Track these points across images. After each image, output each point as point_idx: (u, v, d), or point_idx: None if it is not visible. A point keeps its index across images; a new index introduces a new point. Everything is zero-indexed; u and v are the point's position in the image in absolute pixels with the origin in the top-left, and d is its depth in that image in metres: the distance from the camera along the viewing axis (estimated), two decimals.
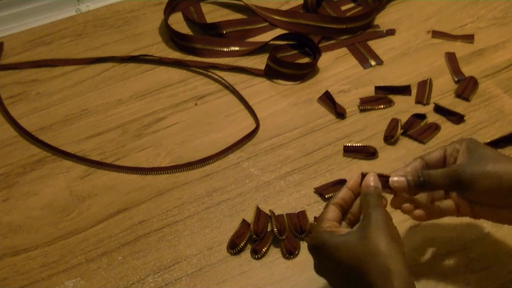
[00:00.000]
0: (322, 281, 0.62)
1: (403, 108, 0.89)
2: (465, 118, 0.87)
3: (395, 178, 0.65)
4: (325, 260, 0.60)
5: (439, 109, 0.88)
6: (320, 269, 0.62)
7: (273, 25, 1.03)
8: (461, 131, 0.86)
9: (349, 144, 0.84)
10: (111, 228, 0.76)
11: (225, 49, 0.99)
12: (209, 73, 0.95)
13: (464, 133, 0.85)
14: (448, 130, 0.86)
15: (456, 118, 0.87)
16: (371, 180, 0.62)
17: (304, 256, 0.73)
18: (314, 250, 0.61)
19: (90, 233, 0.76)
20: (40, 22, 1.05)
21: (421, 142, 0.84)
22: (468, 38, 0.99)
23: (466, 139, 0.68)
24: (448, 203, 0.68)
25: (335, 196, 0.63)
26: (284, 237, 0.74)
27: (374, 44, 0.99)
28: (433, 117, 0.88)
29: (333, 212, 0.62)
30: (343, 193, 0.63)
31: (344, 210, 0.63)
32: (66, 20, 1.05)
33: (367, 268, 0.56)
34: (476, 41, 0.99)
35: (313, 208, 0.77)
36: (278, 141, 0.86)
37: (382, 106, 0.89)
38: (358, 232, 0.58)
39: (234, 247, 0.73)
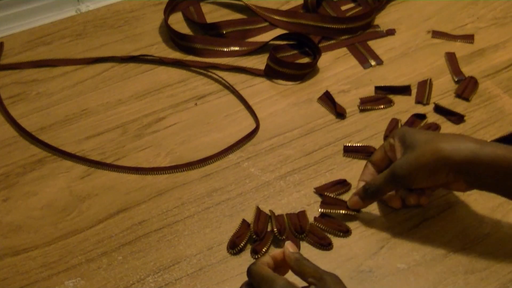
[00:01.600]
0: None
1: (403, 108, 0.89)
2: (465, 118, 0.87)
3: (348, 203, 0.75)
4: None
5: (439, 109, 0.88)
6: None
7: (273, 25, 1.03)
8: (461, 131, 0.86)
9: (349, 144, 0.84)
10: (111, 228, 0.76)
11: (225, 49, 0.99)
12: (209, 73, 0.95)
13: (464, 133, 0.85)
14: (448, 130, 0.86)
15: (456, 118, 0.87)
16: (289, 247, 0.61)
17: (304, 256, 0.73)
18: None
19: (90, 233, 0.76)
20: (40, 22, 1.05)
21: None
22: (468, 38, 0.99)
23: (398, 130, 0.72)
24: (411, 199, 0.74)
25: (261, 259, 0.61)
26: (284, 237, 0.73)
27: (374, 44, 0.99)
28: (433, 117, 0.88)
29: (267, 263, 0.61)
30: (267, 259, 0.61)
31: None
32: (66, 20, 1.05)
33: None
34: (476, 41, 0.99)
35: (313, 208, 0.77)
36: (278, 141, 0.86)
37: (382, 106, 0.89)
38: None
39: (234, 247, 0.73)
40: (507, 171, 0.66)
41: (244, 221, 0.76)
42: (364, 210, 0.76)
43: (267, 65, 0.94)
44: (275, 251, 0.61)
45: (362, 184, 0.75)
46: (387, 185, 0.72)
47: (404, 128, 0.70)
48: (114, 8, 1.07)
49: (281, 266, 0.61)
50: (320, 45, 0.99)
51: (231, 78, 0.94)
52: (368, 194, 0.73)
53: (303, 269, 0.59)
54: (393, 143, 0.71)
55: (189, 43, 0.99)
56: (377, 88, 0.92)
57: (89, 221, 0.77)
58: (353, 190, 0.79)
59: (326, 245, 0.73)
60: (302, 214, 0.76)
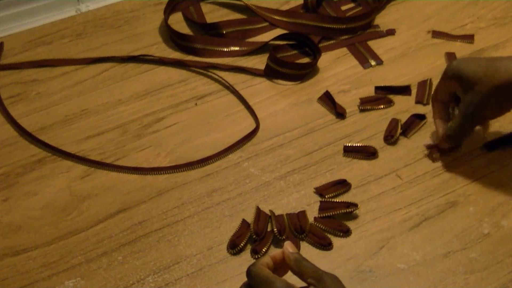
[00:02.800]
0: None
1: (403, 108, 0.89)
2: None
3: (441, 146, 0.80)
4: None
5: None
6: None
7: (273, 25, 1.03)
8: None
9: (349, 144, 0.84)
10: (111, 228, 0.76)
11: (225, 49, 0.99)
12: (209, 73, 0.95)
13: None
14: None
15: None
16: (290, 248, 0.61)
17: (304, 256, 0.73)
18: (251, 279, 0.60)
19: (90, 233, 0.76)
20: (40, 22, 1.05)
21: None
22: (468, 38, 0.99)
23: (448, 69, 0.76)
24: None
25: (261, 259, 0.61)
26: (284, 237, 0.74)
27: (374, 44, 0.99)
28: (432, 118, 0.88)
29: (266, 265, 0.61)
30: (266, 259, 0.61)
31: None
32: (66, 20, 1.05)
33: None
34: (476, 41, 0.99)
35: (313, 208, 0.77)
36: (278, 141, 0.86)
37: (382, 106, 0.89)
38: None
39: (234, 247, 0.73)
40: None
41: (244, 221, 0.76)
42: (364, 210, 0.77)
43: (267, 65, 0.94)
44: (274, 252, 0.61)
45: (439, 122, 0.80)
46: (465, 127, 0.76)
47: (452, 66, 0.73)
48: (114, 8, 1.07)
49: (280, 266, 0.61)
50: (320, 45, 0.99)
51: (231, 78, 0.94)
52: (453, 139, 0.78)
53: (303, 269, 0.59)
54: (449, 85, 0.75)
55: (189, 43, 0.99)
56: (377, 88, 0.92)
57: (89, 221, 0.77)
58: (353, 190, 0.79)
59: (326, 245, 0.73)
60: (302, 214, 0.76)
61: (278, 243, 0.74)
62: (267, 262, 0.60)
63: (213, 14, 1.06)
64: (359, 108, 0.89)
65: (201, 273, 0.72)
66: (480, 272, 0.71)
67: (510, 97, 0.72)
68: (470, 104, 0.73)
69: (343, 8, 1.07)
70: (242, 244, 0.73)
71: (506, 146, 0.83)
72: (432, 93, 0.81)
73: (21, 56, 0.99)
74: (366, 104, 0.90)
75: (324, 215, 0.76)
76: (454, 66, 0.75)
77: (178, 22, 1.04)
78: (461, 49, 0.97)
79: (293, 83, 0.94)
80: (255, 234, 0.74)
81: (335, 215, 0.76)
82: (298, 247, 0.73)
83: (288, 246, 0.61)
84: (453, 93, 0.77)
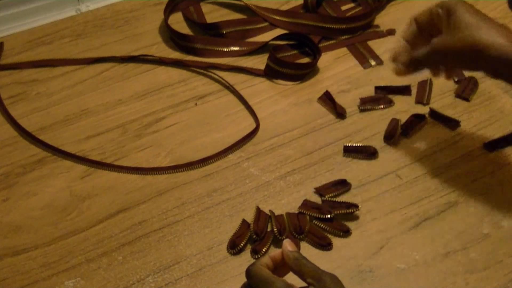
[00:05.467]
0: None
1: (403, 108, 0.89)
2: (465, 118, 0.87)
3: (394, 71, 0.77)
4: None
5: (434, 115, 0.88)
6: None
7: (273, 25, 1.03)
8: (460, 131, 0.86)
9: (349, 144, 0.84)
10: (111, 228, 0.76)
11: (225, 49, 0.99)
12: (209, 73, 0.95)
13: (464, 133, 0.85)
14: (447, 130, 0.86)
15: (452, 124, 0.86)
16: (288, 246, 0.60)
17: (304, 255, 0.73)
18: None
19: (90, 233, 0.76)
20: (40, 22, 1.05)
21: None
22: None
23: (447, 2, 0.73)
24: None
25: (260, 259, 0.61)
26: (284, 237, 0.74)
27: (374, 44, 0.99)
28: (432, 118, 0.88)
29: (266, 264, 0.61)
30: (266, 260, 0.61)
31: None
32: (66, 20, 1.05)
33: None
34: None
35: None
36: (278, 141, 0.86)
37: (382, 106, 0.89)
38: None
39: (234, 247, 0.73)
40: None
41: (244, 221, 0.76)
42: (364, 210, 0.77)
43: (267, 65, 0.94)
44: (274, 252, 0.61)
45: (402, 42, 0.77)
46: (428, 60, 0.74)
47: (453, 2, 0.72)
48: (114, 8, 1.07)
49: (280, 266, 0.61)
50: (320, 45, 0.99)
51: (231, 78, 0.94)
52: (412, 64, 0.76)
53: (302, 268, 0.59)
54: (441, 14, 0.73)
55: (189, 43, 0.99)
56: (377, 88, 0.92)
57: (89, 221, 0.77)
58: (353, 190, 0.79)
59: (326, 245, 0.73)
60: (301, 215, 0.76)
61: (278, 243, 0.74)
62: (266, 262, 0.60)
63: (213, 14, 1.06)
64: (359, 108, 0.89)
65: (201, 273, 0.72)
66: (480, 272, 0.71)
67: (478, 62, 0.71)
68: (439, 46, 0.72)
69: (343, 8, 1.07)
70: (242, 244, 0.73)
71: (506, 146, 0.83)
72: (417, 13, 0.77)
73: (21, 56, 0.99)
74: (366, 104, 0.90)
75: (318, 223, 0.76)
76: (451, 4, 0.72)
77: (178, 22, 1.04)
78: None
79: (293, 83, 0.94)
80: (255, 234, 0.74)
81: (335, 216, 0.76)
82: (298, 247, 0.73)
83: (288, 244, 0.60)
84: (432, 25, 0.74)
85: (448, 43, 0.70)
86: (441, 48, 0.71)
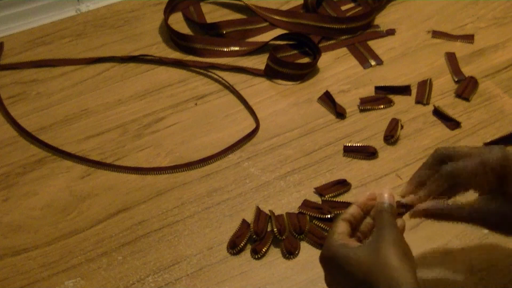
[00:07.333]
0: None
1: (403, 108, 0.89)
2: (465, 118, 0.87)
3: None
4: (336, 272, 0.59)
5: (437, 113, 0.88)
6: (330, 281, 0.61)
7: (273, 25, 1.03)
8: (460, 131, 0.86)
9: (349, 144, 0.84)
10: (111, 228, 0.76)
11: (225, 49, 0.99)
12: (209, 73, 0.95)
13: (464, 133, 0.85)
14: (447, 131, 0.86)
15: (452, 124, 0.86)
16: (386, 198, 0.61)
17: (304, 256, 0.73)
18: (326, 261, 0.60)
19: (90, 233, 0.76)
20: (40, 22, 1.05)
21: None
22: (468, 38, 0.99)
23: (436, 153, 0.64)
24: None
25: (345, 212, 0.62)
26: (284, 237, 0.74)
27: (374, 44, 0.99)
28: (431, 118, 0.88)
29: (343, 226, 0.61)
30: (353, 210, 0.62)
31: (353, 226, 0.62)
32: (66, 20, 1.05)
33: (377, 280, 0.56)
34: (476, 41, 0.99)
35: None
36: (278, 141, 0.86)
37: (382, 106, 0.89)
38: (370, 246, 0.57)
39: (234, 247, 0.73)
40: None
41: (244, 221, 0.76)
42: None
43: (267, 65, 0.94)
44: (363, 197, 0.61)
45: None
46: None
47: (441, 150, 0.66)
48: (114, 8, 1.07)
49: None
50: (320, 45, 0.99)
51: (231, 78, 0.94)
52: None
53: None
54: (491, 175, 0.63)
55: (189, 43, 0.99)
56: (377, 88, 0.92)
57: (89, 221, 0.77)
58: (353, 190, 0.79)
59: None
60: (301, 215, 0.76)
61: (278, 243, 0.74)
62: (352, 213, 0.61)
63: (213, 14, 1.06)
64: (359, 108, 0.89)
65: (201, 273, 0.72)
66: (480, 272, 0.70)
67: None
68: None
69: (343, 8, 1.07)
70: (242, 244, 0.73)
71: (506, 146, 0.83)
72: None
73: (21, 56, 0.99)
74: (366, 104, 0.90)
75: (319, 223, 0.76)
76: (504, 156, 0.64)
77: (178, 22, 1.04)
78: (461, 49, 0.97)
79: (293, 83, 0.94)
80: (255, 234, 0.74)
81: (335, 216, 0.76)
82: (298, 247, 0.73)
83: (387, 196, 0.60)
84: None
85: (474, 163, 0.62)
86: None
